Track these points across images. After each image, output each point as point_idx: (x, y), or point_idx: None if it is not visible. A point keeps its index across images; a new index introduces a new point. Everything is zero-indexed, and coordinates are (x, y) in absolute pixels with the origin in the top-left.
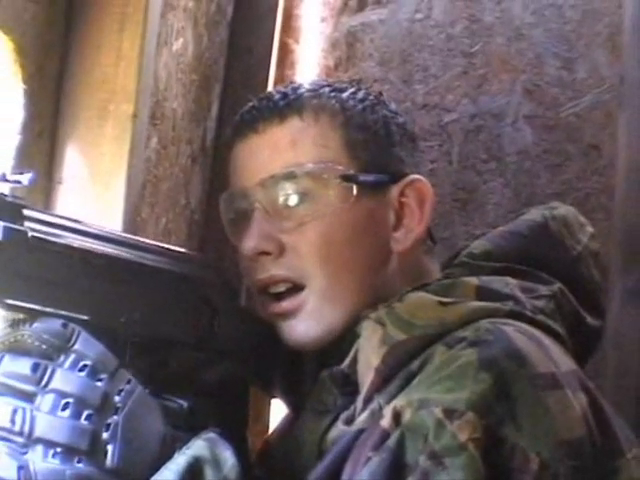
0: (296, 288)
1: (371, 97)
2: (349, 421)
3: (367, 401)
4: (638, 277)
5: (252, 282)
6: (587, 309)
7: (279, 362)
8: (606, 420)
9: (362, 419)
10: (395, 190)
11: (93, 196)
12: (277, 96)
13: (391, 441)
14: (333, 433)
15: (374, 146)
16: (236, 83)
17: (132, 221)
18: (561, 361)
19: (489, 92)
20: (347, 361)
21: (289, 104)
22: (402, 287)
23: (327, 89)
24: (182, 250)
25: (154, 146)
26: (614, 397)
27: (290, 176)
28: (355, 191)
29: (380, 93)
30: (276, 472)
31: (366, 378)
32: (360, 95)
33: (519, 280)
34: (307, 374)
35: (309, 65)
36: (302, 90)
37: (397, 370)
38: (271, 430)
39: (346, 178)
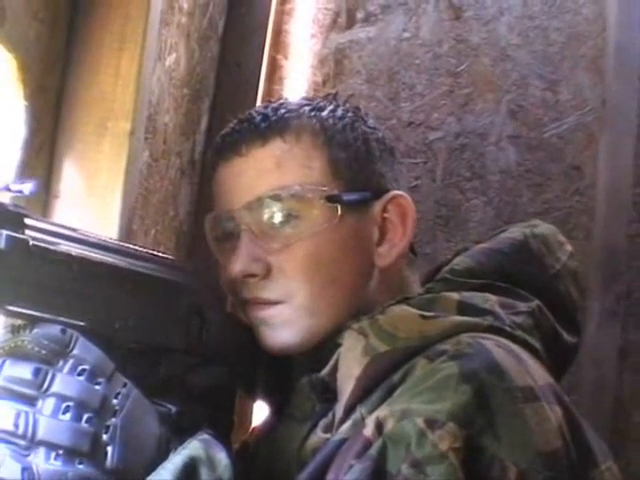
0: (275, 303)
1: (350, 114)
2: (328, 429)
3: (348, 410)
4: (616, 296)
5: (235, 299)
6: (564, 326)
7: (261, 366)
8: (580, 432)
9: (344, 429)
10: (378, 206)
11: (89, 210)
12: (258, 118)
13: (373, 449)
14: (312, 441)
15: (356, 164)
16: (225, 97)
17: (126, 234)
18: (538, 375)
19: (474, 111)
20: (327, 369)
21: (270, 126)
22: (384, 300)
23: (307, 108)
24: (173, 258)
25: (145, 159)
26: (591, 413)
27: (276, 198)
28: (340, 210)
29: (357, 108)
30: (255, 474)
31: (346, 386)
32: (339, 113)
33: (499, 297)
34: (287, 379)
35: (297, 81)
36: (282, 111)
37: (378, 381)
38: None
39: (330, 198)
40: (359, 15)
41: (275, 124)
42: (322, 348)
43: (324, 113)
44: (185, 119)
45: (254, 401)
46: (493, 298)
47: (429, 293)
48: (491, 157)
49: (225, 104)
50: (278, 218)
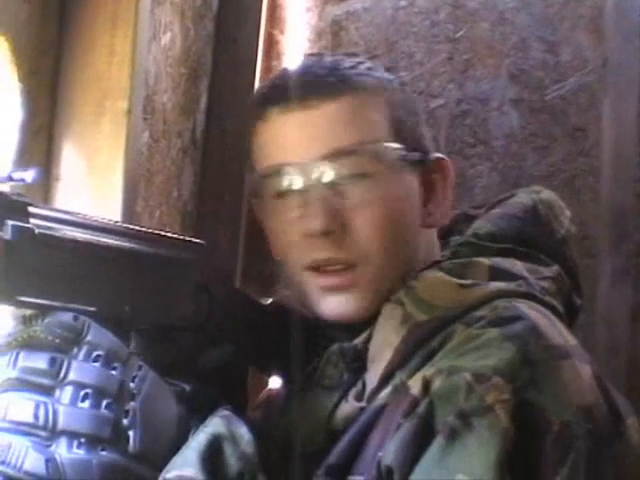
0: (351, 265)
1: (396, 78)
2: (360, 397)
3: (387, 378)
4: (627, 256)
5: (298, 261)
6: (572, 289)
7: (275, 342)
8: (607, 389)
9: (384, 395)
10: (427, 167)
11: (91, 191)
12: (322, 71)
13: (421, 408)
14: (344, 409)
15: (411, 124)
16: (224, 75)
17: (130, 214)
18: (568, 336)
19: (474, 77)
20: (361, 337)
21: (340, 80)
22: (422, 260)
23: (363, 67)
24: (178, 236)
25: (146, 140)
26: (605, 373)
27: (353, 153)
28: (407, 169)
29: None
30: (275, 444)
31: (381, 355)
32: (387, 75)
33: (523, 262)
34: (304, 354)
35: (295, 55)
36: (346, 66)
37: (416, 349)
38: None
39: (401, 157)
40: None
41: (345, 79)
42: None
43: (379, 73)
44: (184, 98)
45: (268, 376)
46: (519, 263)
47: (456, 257)
48: (494, 122)
49: (224, 82)
50: (353, 174)
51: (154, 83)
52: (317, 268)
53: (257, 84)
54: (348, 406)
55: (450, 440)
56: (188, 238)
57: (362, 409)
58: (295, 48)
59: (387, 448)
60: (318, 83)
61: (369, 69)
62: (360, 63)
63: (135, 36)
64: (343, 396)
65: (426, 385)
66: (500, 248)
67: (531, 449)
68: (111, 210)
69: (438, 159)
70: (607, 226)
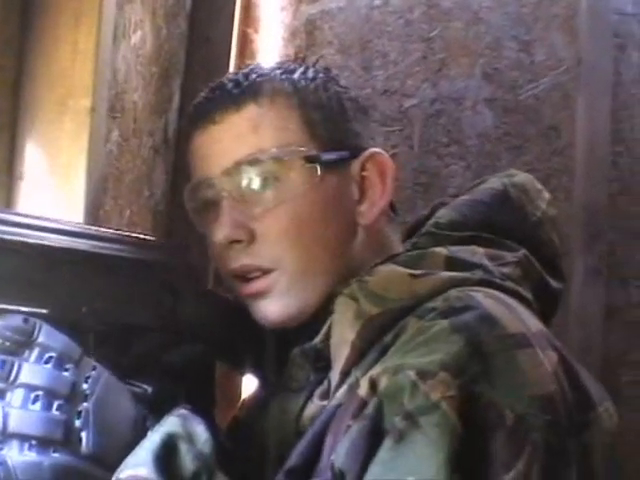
0: (267, 271)
1: (321, 75)
2: (324, 396)
3: (344, 375)
4: (599, 255)
5: (223, 270)
6: (549, 272)
7: (246, 339)
8: (576, 376)
9: (340, 394)
10: (356, 165)
11: (54, 190)
12: (230, 84)
13: (369, 408)
14: (310, 409)
15: (331, 124)
16: (197, 74)
17: (94, 214)
18: (530, 322)
19: (448, 76)
20: (320, 337)
21: (243, 91)
22: (370, 258)
23: (278, 72)
24: (141, 236)
25: (115, 139)
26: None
27: (254, 162)
28: (319, 171)
29: (328, 69)
30: (249, 449)
31: (341, 352)
32: (310, 74)
33: (485, 248)
34: (273, 353)
35: (269, 54)
36: (254, 75)
37: (372, 343)
38: (239, 405)
39: (309, 159)
40: None
41: (248, 89)
42: (317, 317)
43: (295, 75)
44: (155, 97)
45: (242, 375)
46: (480, 250)
47: (415, 249)
48: (468, 121)
49: (197, 81)
50: (258, 182)
51: (124, 81)
52: (241, 276)
53: None
54: (313, 406)
55: (398, 442)
56: (153, 238)
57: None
58: (269, 47)
59: (338, 451)
60: (223, 97)
61: (283, 73)
62: (276, 69)
63: (99, 33)
64: (310, 396)
65: (373, 385)
66: (462, 236)
67: (485, 444)
68: (74, 209)
69: (371, 155)
70: (580, 225)
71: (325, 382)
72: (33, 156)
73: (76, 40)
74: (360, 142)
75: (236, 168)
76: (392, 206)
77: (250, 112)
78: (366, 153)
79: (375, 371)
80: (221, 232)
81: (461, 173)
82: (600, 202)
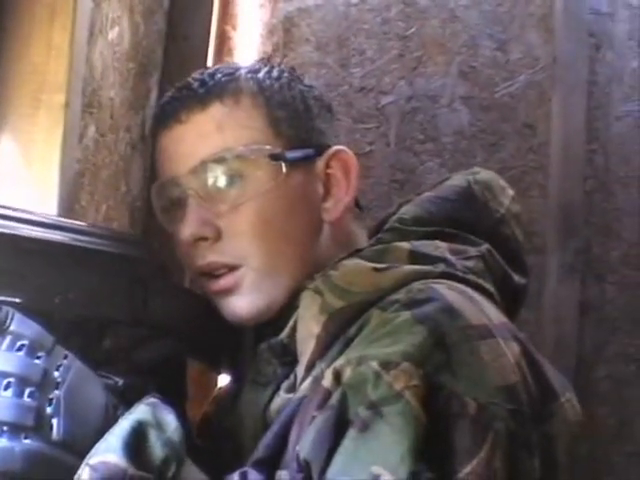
0: (233, 268)
1: (285, 74)
2: (291, 390)
3: (309, 368)
4: (574, 252)
5: (191, 268)
6: (513, 268)
7: (221, 337)
8: (538, 367)
9: (305, 386)
10: (321, 162)
11: (28, 185)
12: (195, 84)
13: (333, 399)
14: (276, 403)
15: (296, 122)
16: (174, 71)
17: (69, 209)
18: (492, 314)
19: (425, 74)
20: (286, 331)
21: (208, 90)
22: (336, 254)
23: (243, 71)
24: (114, 230)
25: (92, 135)
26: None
27: (219, 160)
28: (284, 168)
29: (293, 68)
30: (221, 443)
31: (306, 346)
32: (275, 73)
33: (448, 243)
34: (248, 348)
35: (247, 51)
36: (219, 75)
37: (337, 336)
38: (209, 401)
39: (274, 157)
40: None
41: (213, 88)
42: (284, 313)
43: (260, 74)
44: (133, 93)
45: (217, 372)
46: (443, 245)
47: (379, 244)
48: (444, 119)
49: (174, 78)
50: (223, 180)
51: (100, 77)
52: (208, 273)
53: None
54: (280, 399)
55: (362, 432)
56: (127, 232)
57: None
58: (247, 44)
59: (303, 441)
60: (189, 97)
61: (248, 73)
62: (242, 69)
63: (74, 28)
64: (276, 390)
65: (337, 376)
66: (425, 231)
67: (448, 433)
68: (48, 203)
69: (336, 152)
70: (555, 222)
71: (292, 376)
72: (6, 151)
73: (50, 35)
74: (325, 140)
75: (202, 167)
76: (357, 203)
77: (215, 111)
78: (330, 151)
79: (339, 362)
80: (187, 230)
81: (437, 170)
82: (575, 199)
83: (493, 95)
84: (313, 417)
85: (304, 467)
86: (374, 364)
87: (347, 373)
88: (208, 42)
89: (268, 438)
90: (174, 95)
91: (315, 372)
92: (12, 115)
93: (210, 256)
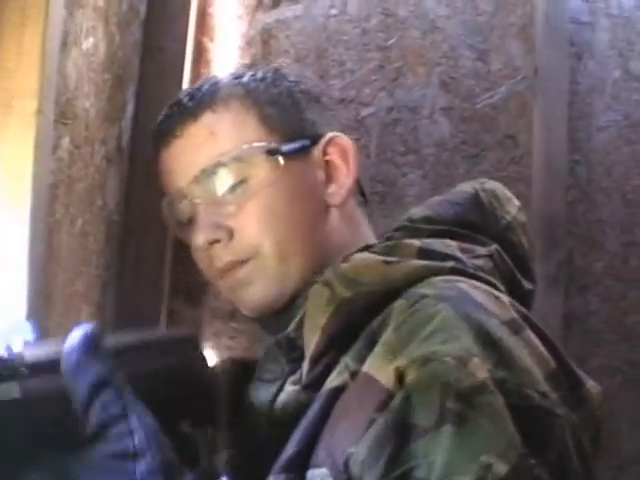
0: (244, 261)
1: (270, 74)
2: (296, 383)
3: (314, 360)
4: (557, 263)
5: (210, 273)
6: (521, 273)
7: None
8: (561, 355)
9: (334, 378)
10: (317, 151)
11: (1, 193)
12: (185, 99)
13: (396, 401)
14: (282, 397)
15: (286, 116)
16: (150, 83)
17: (43, 221)
18: (512, 308)
19: (405, 85)
20: (293, 324)
21: (199, 102)
22: (345, 238)
23: (229, 78)
24: None
25: (66, 146)
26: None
27: (218, 165)
28: (282, 161)
29: (276, 68)
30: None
31: (312, 338)
32: (259, 75)
33: (458, 242)
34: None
35: (225, 63)
36: (206, 86)
37: (345, 328)
38: None
39: (270, 152)
40: None
41: (202, 99)
42: (294, 304)
43: (245, 78)
44: (108, 105)
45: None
46: (453, 244)
47: (389, 240)
48: (425, 130)
49: (150, 90)
50: (226, 184)
51: (75, 88)
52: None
53: None
54: (286, 393)
55: (459, 426)
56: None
57: (309, 398)
58: (225, 56)
59: (360, 445)
60: (181, 111)
61: (234, 79)
62: (226, 77)
63: (45, 33)
64: (282, 385)
65: (400, 377)
66: (435, 229)
67: (517, 427)
68: (21, 213)
69: (331, 139)
70: (538, 234)
71: (298, 372)
72: None
73: (21, 41)
74: (317, 129)
75: (203, 175)
76: (362, 191)
77: (207, 120)
78: (325, 138)
79: (401, 362)
80: (200, 236)
81: (418, 182)
82: (558, 210)
83: (474, 106)
84: (372, 420)
85: (356, 473)
86: (448, 359)
87: (412, 374)
88: (185, 54)
89: (299, 435)
90: (167, 113)
91: (339, 367)
92: None
93: (226, 256)
